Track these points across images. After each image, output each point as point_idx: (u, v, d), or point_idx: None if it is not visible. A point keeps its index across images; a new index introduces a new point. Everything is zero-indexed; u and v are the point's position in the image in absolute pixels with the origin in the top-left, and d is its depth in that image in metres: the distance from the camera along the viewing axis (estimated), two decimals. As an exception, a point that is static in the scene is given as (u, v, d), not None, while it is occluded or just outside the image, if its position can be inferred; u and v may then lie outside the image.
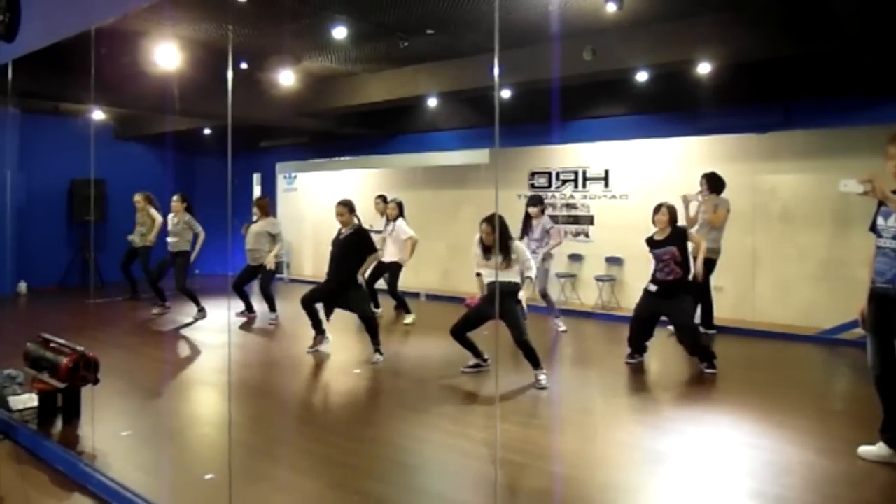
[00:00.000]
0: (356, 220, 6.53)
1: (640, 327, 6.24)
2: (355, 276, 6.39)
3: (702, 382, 5.79)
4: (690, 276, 6.12)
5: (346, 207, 6.48)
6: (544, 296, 7.55)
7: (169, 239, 8.70)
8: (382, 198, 9.06)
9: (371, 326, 6.34)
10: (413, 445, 4.30)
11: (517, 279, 5.69)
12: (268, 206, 8.65)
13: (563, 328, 7.69)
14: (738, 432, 4.49)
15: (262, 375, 6.03)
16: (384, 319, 8.56)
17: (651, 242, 6.16)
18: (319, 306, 6.56)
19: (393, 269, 8.53)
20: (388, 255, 8.42)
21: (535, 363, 5.54)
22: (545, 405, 5.15)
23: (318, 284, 6.60)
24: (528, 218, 7.57)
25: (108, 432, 4.31)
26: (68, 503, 3.52)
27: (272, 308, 8.41)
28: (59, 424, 4.46)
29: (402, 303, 8.65)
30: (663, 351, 6.82)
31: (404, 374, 6.03)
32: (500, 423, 4.64)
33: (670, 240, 6.01)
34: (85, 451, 4.05)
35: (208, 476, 3.69)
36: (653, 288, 6.10)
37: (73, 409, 4.54)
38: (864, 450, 3.96)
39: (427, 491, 3.73)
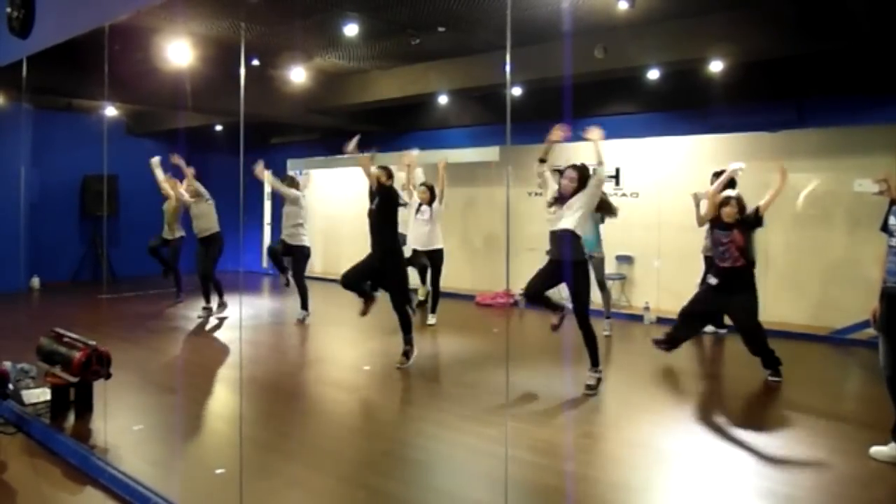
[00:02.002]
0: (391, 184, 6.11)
1: (689, 323, 5.73)
2: (396, 248, 6.02)
3: (712, 382, 5.77)
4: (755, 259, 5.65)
5: (385, 172, 6.16)
6: (603, 287, 7.29)
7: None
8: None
9: (404, 321, 5.94)
10: (423, 442, 4.31)
11: (579, 231, 5.22)
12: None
13: (607, 332, 7.37)
14: (749, 432, 4.47)
15: (273, 371, 6.05)
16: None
17: (717, 221, 5.65)
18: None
19: (435, 258, 8.03)
20: (428, 240, 7.95)
21: (594, 359, 5.27)
22: (557, 403, 5.14)
23: (360, 261, 6.11)
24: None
25: (120, 427, 4.35)
26: (80, 496, 3.56)
27: (304, 304, 8.09)
28: (71, 418, 4.51)
29: (436, 299, 8.17)
30: (675, 350, 6.78)
31: (415, 371, 6.02)
32: (512, 421, 4.64)
33: (737, 225, 5.60)
34: (97, 445, 4.08)
35: (219, 471, 3.71)
36: (714, 281, 5.64)
37: (85, 403, 4.58)
38: (875, 450, 3.94)
39: (436, 488, 3.74)
